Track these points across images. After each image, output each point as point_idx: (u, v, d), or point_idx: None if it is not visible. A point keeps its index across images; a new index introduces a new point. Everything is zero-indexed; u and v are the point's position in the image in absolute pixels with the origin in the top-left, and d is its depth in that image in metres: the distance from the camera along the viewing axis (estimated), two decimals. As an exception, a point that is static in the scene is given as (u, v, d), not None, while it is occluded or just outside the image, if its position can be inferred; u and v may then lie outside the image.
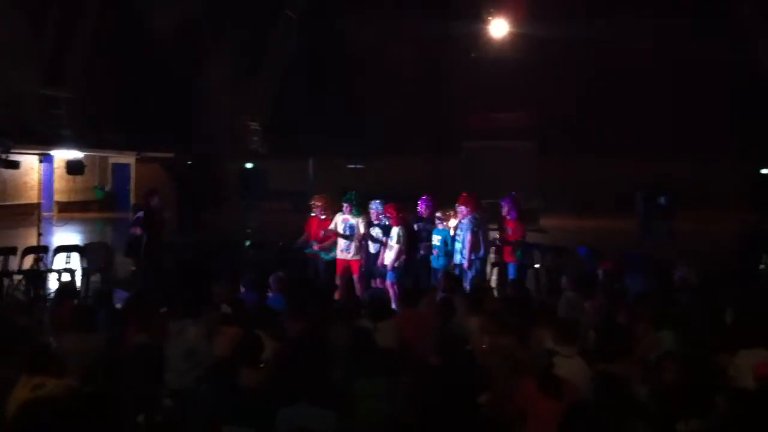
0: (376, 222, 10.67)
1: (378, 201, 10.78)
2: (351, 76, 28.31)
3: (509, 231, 10.64)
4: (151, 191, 11.44)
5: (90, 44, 22.75)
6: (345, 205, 10.50)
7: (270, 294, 8.15)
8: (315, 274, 11.03)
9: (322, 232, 10.86)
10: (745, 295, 7.67)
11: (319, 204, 11.13)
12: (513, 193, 11.23)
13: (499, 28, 25.38)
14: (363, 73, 28.37)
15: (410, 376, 5.14)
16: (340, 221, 10.52)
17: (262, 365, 4.94)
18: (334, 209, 10.95)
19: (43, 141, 20.49)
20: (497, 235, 10.96)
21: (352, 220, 10.44)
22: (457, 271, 10.00)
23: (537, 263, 11.67)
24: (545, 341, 5.94)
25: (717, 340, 5.74)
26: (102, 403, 3.92)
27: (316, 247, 10.91)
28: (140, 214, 11.06)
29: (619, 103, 27.26)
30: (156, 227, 11.09)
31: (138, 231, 10.84)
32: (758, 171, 19.52)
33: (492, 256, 11.45)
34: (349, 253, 10.45)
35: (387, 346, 5.87)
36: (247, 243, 14.05)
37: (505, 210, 10.78)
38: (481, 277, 10.06)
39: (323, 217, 11.01)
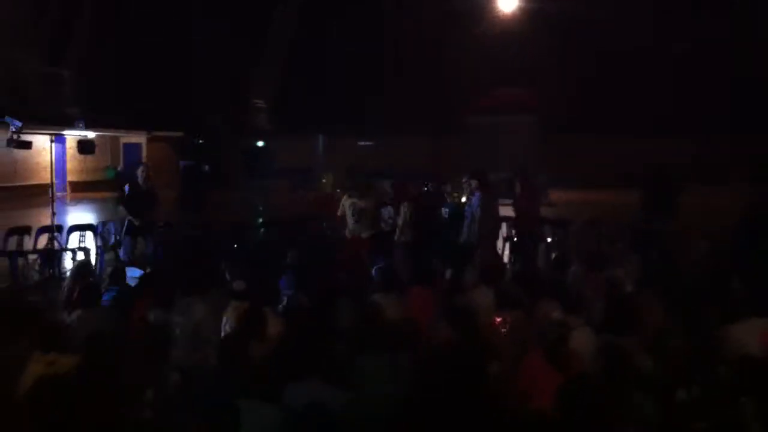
0: (386, 200, 10.73)
1: (388, 178, 10.86)
2: (357, 54, 28.25)
3: (522, 203, 10.64)
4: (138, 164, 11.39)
5: (94, 23, 22.78)
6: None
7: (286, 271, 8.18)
8: (324, 250, 11.07)
9: None
10: (750, 266, 7.67)
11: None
12: (524, 166, 11.26)
13: (508, 2, 25.11)
14: (370, 49, 28.30)
15: (417, 351, 5.18)
16: (348, 205, 10.52)
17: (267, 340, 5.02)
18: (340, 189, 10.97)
19: (53, 122, 20.59)
20: (509, 210, 10.98)
21: (360, 202, 10.42)
22: (466, 247, 10.03)
23: (548, 237, 11.69)
24: (552, 313, 5.99)
25: (722, 311, 5.77)
26: (110, 379, 4.00)
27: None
28: (126, 188, 11.04)
29: (622, 80, 27.24)
30: (143, 202, 10.93)
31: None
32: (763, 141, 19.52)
33: (503, 231, 11.47)
34: (359, 232, 10.47)
35: (393, 321, 5.91)
36: (260, 220, 14.16)
37: (518, 184, 10.80)
38: (492, 252, 10.08)
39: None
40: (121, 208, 11.11)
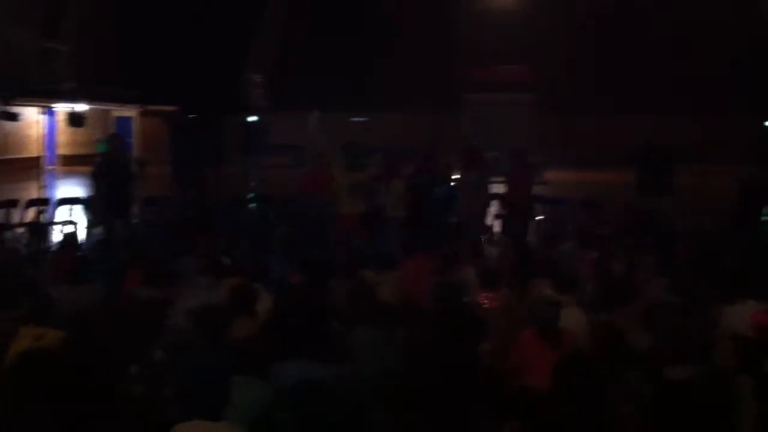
0: (381, 175, 10.67)
1: (382, 154, 10.79)
2: (354, 29, 27.99)
3: (514, 182, 10.60)
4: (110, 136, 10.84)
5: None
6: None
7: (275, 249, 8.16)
8: (317, 227, 11.00)
9: None
10: (744, 246, 7.68)
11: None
12: (520, 146, 11.24)
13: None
14: (366, 26, 28.04)
15: (408, 326, 5.17)
16: (342, 179, 10.46)
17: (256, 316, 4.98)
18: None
19: (44, 94, 20.38)
20: (501, 188, 10.94)
21: (354, 176, 10.36)
22: (457, 225, 10.00)
23: (539, 216, 11.69)
24: (544, 292, 5.98)
25: (713, 290, 5.77)
26: (96, 354, 3.95)
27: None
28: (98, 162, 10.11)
29: (622, 58, 27.09)
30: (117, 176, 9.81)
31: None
32: (762, 123, 19.43)
33: (494, 209, 11.45)
34: (351, 207, 10.42)
35: (389, 298, 5.90)
36: (250, 195, 14.09)
37: (511, 163, 10.76)
38: (484, 231, 10.05)
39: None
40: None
